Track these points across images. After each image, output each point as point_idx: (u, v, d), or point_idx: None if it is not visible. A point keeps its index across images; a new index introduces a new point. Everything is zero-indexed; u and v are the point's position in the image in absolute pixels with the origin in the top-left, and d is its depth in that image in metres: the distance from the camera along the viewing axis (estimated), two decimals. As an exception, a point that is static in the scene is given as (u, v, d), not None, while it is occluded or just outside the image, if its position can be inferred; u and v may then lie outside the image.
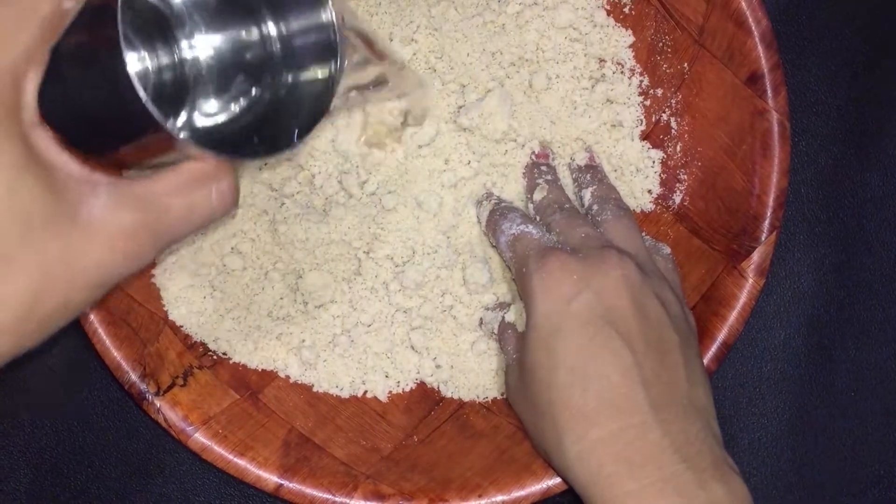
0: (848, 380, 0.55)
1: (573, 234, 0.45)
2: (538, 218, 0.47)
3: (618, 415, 0.39)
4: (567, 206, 0.47)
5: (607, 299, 0.41)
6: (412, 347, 0.50)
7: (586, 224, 0.46)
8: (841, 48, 0.55)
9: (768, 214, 0.47)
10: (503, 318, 0.48)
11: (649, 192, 0.51)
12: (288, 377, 0.50)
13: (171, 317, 0.48)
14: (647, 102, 0.51)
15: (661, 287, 0.43)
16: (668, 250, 0.48)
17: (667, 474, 0.39)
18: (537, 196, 0.48)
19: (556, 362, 0.41)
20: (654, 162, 0.51)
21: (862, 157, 0.55)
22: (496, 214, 0.48)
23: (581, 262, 0.43)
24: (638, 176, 0.51)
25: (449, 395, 0.51)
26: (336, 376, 0.50)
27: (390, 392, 0.50)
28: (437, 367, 0.50)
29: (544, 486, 0.46)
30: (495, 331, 0.48)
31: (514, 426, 0.49)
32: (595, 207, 0.47)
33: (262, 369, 0.49)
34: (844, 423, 0.55)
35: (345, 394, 0.50)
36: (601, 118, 0.51)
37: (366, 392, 0.50)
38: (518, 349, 0.45)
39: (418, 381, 0.51)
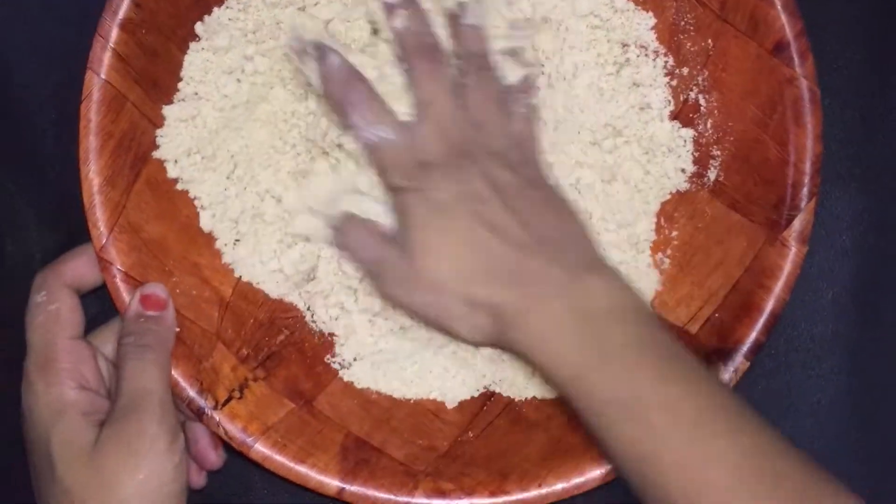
0: (901, 332, 0.54)
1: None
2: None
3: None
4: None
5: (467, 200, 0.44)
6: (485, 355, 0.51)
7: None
8: (855, 3, 0.55)
9: (806, 181, 0.47)
10: None
11: (683, 171, 0.51)
12: (348, 380, 0.51)
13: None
14: (674, 82, 0.51)
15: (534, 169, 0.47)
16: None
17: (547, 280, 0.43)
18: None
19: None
20: (685, 141, 0.51)
21: (888, 107, 0.55)
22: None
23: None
24: (670, 156, 0.51)
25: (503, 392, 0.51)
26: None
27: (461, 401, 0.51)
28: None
29: (603, 471, 0.47)
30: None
31: (568, 415, 0.49)
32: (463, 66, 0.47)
33: (316, 373, 0.50)
34: (904, 375, 0.54)
35: (410, 393, 0.51)
36: (629, 102, 0.51)
37: (436, 396, 0.51)
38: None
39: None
